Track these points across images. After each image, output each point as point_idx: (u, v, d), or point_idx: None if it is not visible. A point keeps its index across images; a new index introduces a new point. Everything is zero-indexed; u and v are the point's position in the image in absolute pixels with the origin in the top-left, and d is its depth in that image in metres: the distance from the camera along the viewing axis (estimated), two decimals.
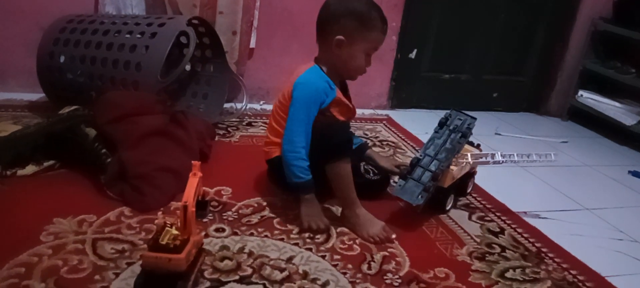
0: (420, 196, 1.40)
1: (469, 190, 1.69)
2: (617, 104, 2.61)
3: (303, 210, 1.36)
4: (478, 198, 1.67)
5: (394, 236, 1.35)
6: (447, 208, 1.56)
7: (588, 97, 2.69)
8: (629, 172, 2.16)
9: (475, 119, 1.57)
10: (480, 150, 1.61)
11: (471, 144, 1.63)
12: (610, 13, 2.68)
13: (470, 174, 1.65)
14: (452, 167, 1.48)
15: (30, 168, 1.43)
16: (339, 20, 1.38)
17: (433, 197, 1.45)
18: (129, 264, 1.12)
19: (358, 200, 1.37)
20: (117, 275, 1.08)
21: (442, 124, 1.56)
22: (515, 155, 1.57)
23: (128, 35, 1.74)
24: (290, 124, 1.36)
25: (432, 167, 1.44)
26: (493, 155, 1.55)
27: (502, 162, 1.55)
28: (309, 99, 1.36)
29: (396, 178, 1.71)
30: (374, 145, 2.03)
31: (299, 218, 1.36)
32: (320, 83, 1.38)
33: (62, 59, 1.80)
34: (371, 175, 1.57)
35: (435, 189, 1.44)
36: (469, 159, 1.53)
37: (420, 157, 1.48)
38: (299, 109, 1.36)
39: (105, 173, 1.39)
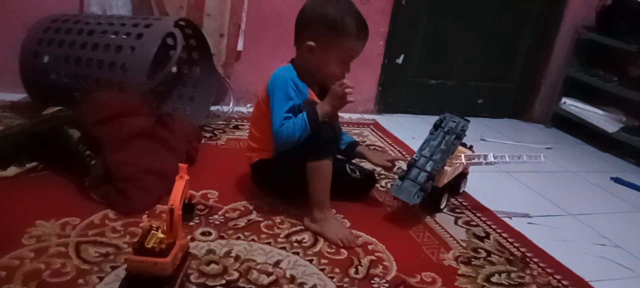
0: (416, 195, 1.43)
1: (461, 190, 1.72)
2: (600, 112, 2.65)
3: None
4: (464, 203, 1.68)
5: (359, 242, 1.34)
6: (442, 207, 1.59)
7: (571, 105, 2.72)
8: (612, 178, 2.19)
9: (468, 121, 1.60)
10: (473, 152, 1.64)
11: (464, 145, 1.66)
12: (593, 22, 2.72)
13: (463, 174, 1.70)
14: (446, 167, 1.51)
15: (12, 170, 1.40)
16: (312, 25, 1.35)
17: (428, 196, 1.48)
18: (113, 268, 1.10)
19: (329, 203, 1.36)
20: (101, 279, 1.07)
21: (437, 126, 1.59)
22: (506, 156, 1.60)
23: (113, 36, 1.72)
24: (272, 109, 1.34)
25: (428, 168, 1.47)
26: (485, 156, 1.59)
27: (495, 162, 1.59)
28: (279, 82, 1.34)
29: (383, 183, 1.72)
30: None
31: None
32: (288, 74, 1.36)
33: (46, 59, 1.77)
34: (357, 174, 1.57)
35: (430, 189, 1.46)
36: (463, 160, 1.57)
37: (417, 158, 1.50)
38: (274, 94, 1.34)
39: (90, 175, 1.36)
